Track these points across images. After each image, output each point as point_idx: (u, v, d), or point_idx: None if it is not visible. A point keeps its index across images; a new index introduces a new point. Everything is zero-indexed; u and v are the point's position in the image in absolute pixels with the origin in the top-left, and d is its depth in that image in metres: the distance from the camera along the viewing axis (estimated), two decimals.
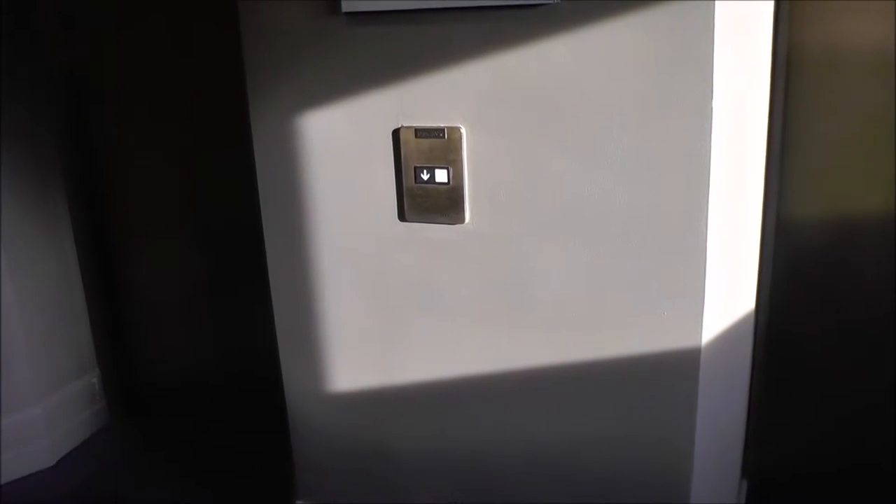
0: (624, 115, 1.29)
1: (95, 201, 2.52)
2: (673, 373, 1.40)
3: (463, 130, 1.40)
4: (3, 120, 2.18)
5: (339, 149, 1.51)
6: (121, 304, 2.62)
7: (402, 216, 1.49)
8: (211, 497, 2.19)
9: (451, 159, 1.42)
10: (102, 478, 2.33)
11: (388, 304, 1.57)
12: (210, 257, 2.44)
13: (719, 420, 1.54)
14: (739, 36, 1.34)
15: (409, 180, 1.46)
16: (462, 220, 1.45)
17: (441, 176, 1.43)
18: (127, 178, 2.47)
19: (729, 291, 1.47)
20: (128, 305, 2.62)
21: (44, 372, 2.38)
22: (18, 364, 2.30)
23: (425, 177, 1.45)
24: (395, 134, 1.45)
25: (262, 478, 2.26)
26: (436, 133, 1.42)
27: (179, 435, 2.55)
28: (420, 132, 1.43)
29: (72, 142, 2.45)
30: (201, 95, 2.30)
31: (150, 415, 2.67)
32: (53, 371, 2.42)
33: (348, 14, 1.40)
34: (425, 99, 1.42)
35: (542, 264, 1.42)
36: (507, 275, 1.45)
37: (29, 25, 2.26)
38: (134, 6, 2.31)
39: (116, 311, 2.63)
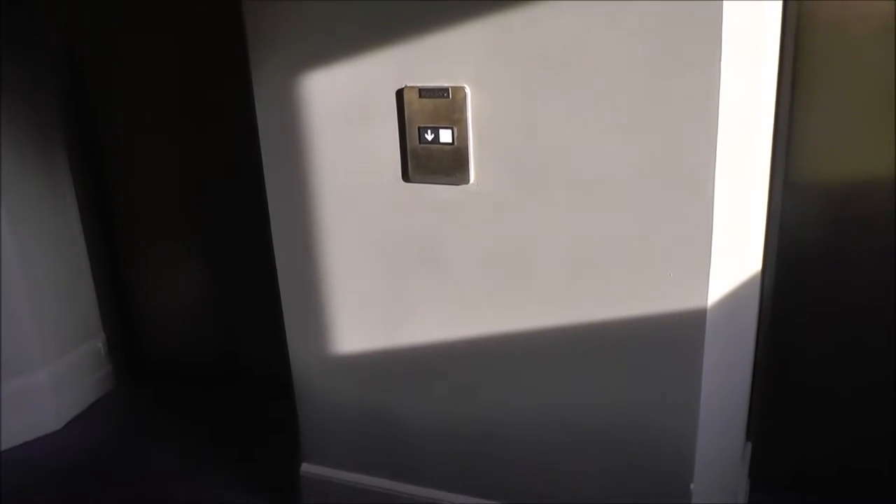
0: (631, 76, 1.28)
1: (99, 165, 2.51)
2: (678, 334, 1.40)
3: (467, 90, 1.39)
4: (3, 81, 2.17)
5: (342, 110, 1.49)
6: (125, 268, 2.62)
7: (406, 177, 1.48)
8: (216, 459, 2.20)
9: (455, 119, 1.41)
10: (109, 441, 2.35)
11: (393, 266, 1.56)
12: (214, 219, 2.43)
13: (724, 382, 1.54)
14: None
15: (412, 141, 1.45)
16: (467, 181, 1.44)
17: (445, 136, 1.42)
18: (130, 142, 2.46)
19: (735, 253, 1.46)
20: (132, 269, 2.62)
21: (49, 336, 2.38)
22: (24, 328, 2.31)
23: (429, 137, 1.43)
24: (399, 94, 1.44)
25: (268, 441, 2.28)
26: (440, 93, 1.40)
27: (185, 398, 2.56)
28: (424, 92, 1.41)
29: (73, 104, 2.43)
30: (201, 50, 2.28)
31: (156, 379, 2.68)
32: (59, 335, 2.42)
33: None
34: (429, 58, 1.40)
35: (547, 225, 1.41)
36: (513, 235, 1.45)
37: None
38: None
39: (121, 275, 2.63)
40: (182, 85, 2.32)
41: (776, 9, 1.53)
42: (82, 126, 2.47)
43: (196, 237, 2.50)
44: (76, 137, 2.46)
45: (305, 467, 1.85)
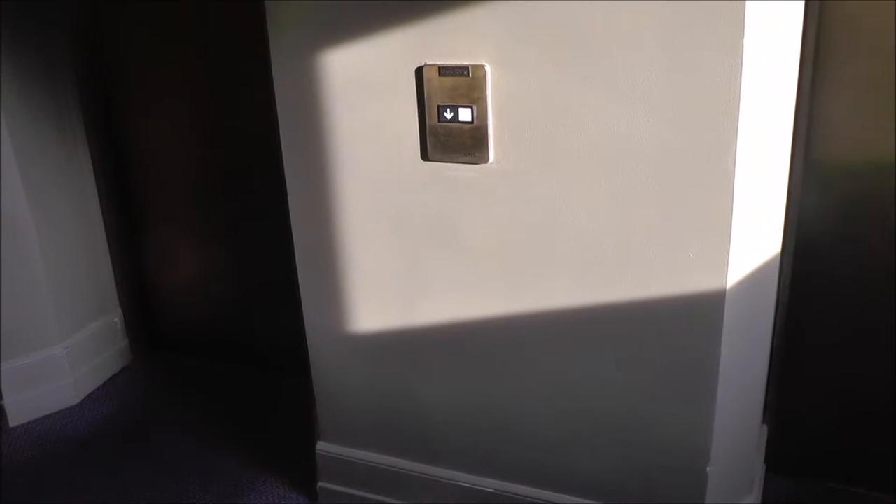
0: (653, 52, 1.26)
1: (116, 141, 2.51)
2: (697, 315, 1.39)
3: (487, 68, 1.38)
4: (20, 58, 2.17)
5: (361, 88, 1.48)
6: (142, 243, 2.63)
7: (424, 156, 1.47)
8: (232, 435, 2.22)
9: (475, 98, 1.40)
10: (125, 415, 2.37)
11: (411, 244, 1.56)
12: (231, 193, 2.44)
13: (741, 364, 1.53)
14: None
15: (432, 119, 1.44)
16: (486, 160, 1.43)
17: (465, 115, 1.41)
18: (147, 118, 2.46)
19: (755, 235, 1.45)
20: (149, 244, 2.63)
21: (67, 312, 2.40)
22: (42, 304, 2.33)
23: (449, 115, 1.42)
24: (419, 72, 1.43)
25: (284, 417, 2.29)
26: (460, 71, 1.39)
27: (201, 373, 2.58)
28: (444, 70, 1.40)
29: (90, 80, 2.43)
30: (219, 27, 2.27)
31: (173, 353, 2.70)
32: (76, 311, 2.44)
33: None
34: (449, 36, 1.39)
35: (567, 204, 1.40)
36: (532, 215, 1.44)
37: None
38: None
39: (138, 250, 2.64)
40: (203, 58, 2.31)
41: None
42: (99, 102, 2.47)
43: (213, 213, 2.50)
44: (94, 114, 2.46)
45: (321, 446, 1.86)
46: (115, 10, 2.36)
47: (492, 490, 1.70)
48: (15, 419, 2.33)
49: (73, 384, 2.43)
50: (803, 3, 1.55)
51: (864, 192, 1.69)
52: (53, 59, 2.30)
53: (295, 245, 1.68)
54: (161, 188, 2.53)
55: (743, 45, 1.20)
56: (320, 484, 1.89)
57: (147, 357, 2.70)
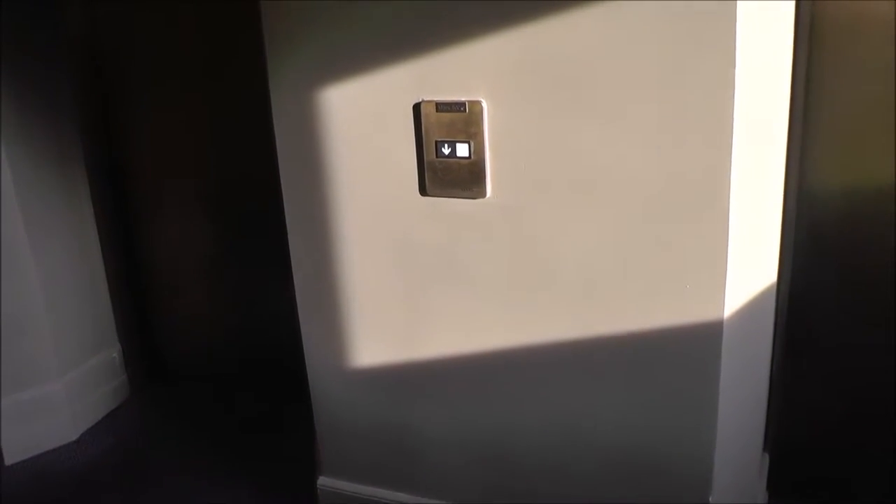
0: (647, 87, 1.28)
1: (115, 174, 2.52)
2: (696, 346, 1.40)
3: (484, 104, 1.39)
4: (24, 87, 2.18)
5: (360, 123, 1.50)
6: (141, 276, 2.64)
7: (423, 190, 1.49)
8: (233, 468, 2.21)
9: (472, 133, 1.41)
10: (124, 451, 2.35)
11: (410, 279, 1.56)
12: (230, 227, 2.45)
13: (741, 393, 1.54)
14: (763, 2, 1.32)
15: (430, 154, 1.45)
16: (484, 195, 1.44)
17: (462, 150, 1.43)
18: (146, 153, 2.47)
19: (751, 263, 1.46)
20: (148, 278, 2.63)
21: (65, 346, 2.39)
22: (40, 338, 2.32)
23: (446, 151, 1.44)
24: (416, 108, 1.44)
25: (285, 448, 2.28)
26: (457, 107, 1.41)
27: (201, 406, 2.57)
28: (441, 106, 1.42)
29: (92, 117, 2.44)
30: (221, 63, 2.29)
31: (172, 386, 2.69)
32: (75, 345, 2.43)
33: None
34: (446, 72, 1.40)
35: (564, 237, 1.41)
36: (530, 248, 1.45)
37: None
38: None
39: (137, 284, 2.64)
40: (204, 88, 2.33)
41: (789, 12, 1.53)
42: (99, 134, 2.48)
43: (212, 245, 2.51)
44: (93, 146, 2.47)
45: (322, 480, 1.85)
46: (118, 44, 2.38)
47: None
48: (12, 457, 2.31)
49: (71, 420, 2.41)
50: (793, 30, 1.58)
51: (860, 216, 1.70)
52: (54, 94, 2.31)
53: (295, 280, 1.69)
54: (162, 223, 2.54)
55: (734, 77, 1.22)
56: None
57: (146, 390, 2.69)
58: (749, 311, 1.47)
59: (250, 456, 2.28)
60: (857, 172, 1.69)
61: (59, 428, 2.39)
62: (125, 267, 2.61)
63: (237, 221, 2.43)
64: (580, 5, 1.28)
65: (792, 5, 1.54)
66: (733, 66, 1.22)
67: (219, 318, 2.58)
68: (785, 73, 1.57)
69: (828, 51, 1.62)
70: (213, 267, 2.53)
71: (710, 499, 1.48)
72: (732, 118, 1.24)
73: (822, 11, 1.60)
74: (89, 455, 2.34)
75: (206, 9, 2.26)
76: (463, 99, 1.40)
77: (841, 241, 1.73)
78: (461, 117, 1.41)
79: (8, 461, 2.30)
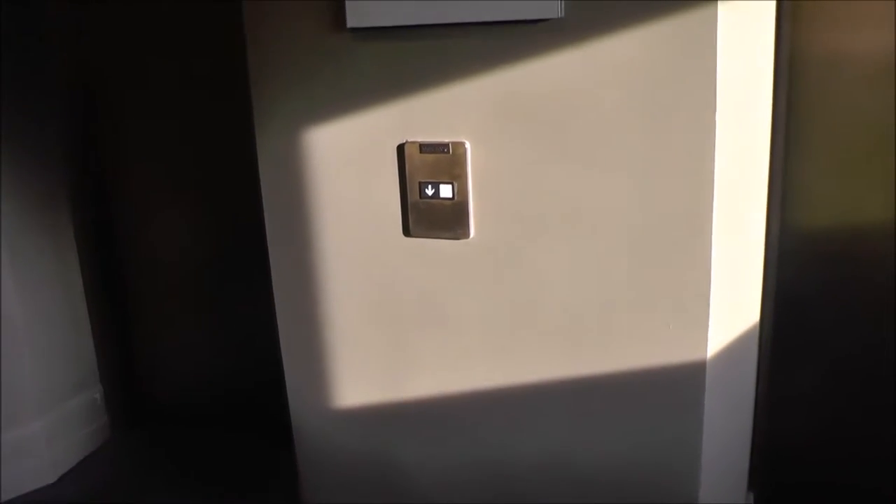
0: (629, 128, 1.30)
1: (99, 214, 2.52)
2: (679, 385, 1.40)
3: (467, 145, 1.40)
4: (7, 130, 2.18)
5: (344, 164, 1.51)
6: (125, 318, 2.62)
7: (406, 231, 1.49)
8: None
9: (455, 174, 1.42)
10: (103, 495, 2.32)
11: (394, 318, 1.56)
12: (215, 269, 2.44)
13: (725, 431, 1.54)
14: (742, 42, 1.35)
15: (413, 195, 1.46)
16: (467, 236, 1.45)
17: (446, 191, 1.44)
18: (131, 193, 2.47)
19: (734, 303, 1.47)
20: (133, 317, 2.61)
21: (46, 387, 2.36)
22: (20, 378, 2.29)
23: (430, 192, 1.45)
24: (400, 149, 1.45)
25: (269, 490, 2.25)
26: (440, 148, 1.42)
27: (183, 448, 2.54)
28: (424, 147, 1.43)
29: (78, 156, 2.44)
30: (205, 104, 2.30)
31: (153, 428, 2.66)
32: (55, 386, 2.40)
33: (353, 29, 1.40)
34: (429, 114, 1.42)
35: (547, 278, 1.42)
36: (513, 289, 1.45)
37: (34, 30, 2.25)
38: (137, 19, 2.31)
39: (120, 325, 2.62)
40: (193, 142, 2.35)
41: (768, 48, 1.56)
42: (86, 177, 2.48)
43: (195, 286, 2.50)
44: (79, 188, 2.46)
45: None
46: (110, 99, 2.40)
47: None
48: None
49: (51, 462, 2.38)
50: (773, 71, 1.60)
51: (842, 256, 1.72)
52: (40, 127, 2.30)
53: (278, 320, 1.68)
54: (144, 263, 2.53)
55: (715, 123, 1.24)
56: None
57: (127, 431, 2.66)
58: (732, 351, 1.48)
59: (233, 498, 2.25)
60: (839, 210, 1.71)
61: (37, 470, 2.35)
62: (109, 306, 2.60)
63: (222, 265, 2.42)
64: (561, 49, 1.30)
65: (771, 41, 1.57)
66: (714, 108, 1.24)
67: (204, 359, 2.56)
68: (765, 110, 1.59)
69: (807, 90, 1.65)
70: (198, 306, 2.52)
71: None
72: (714, 158, 1.26)
73: (800, 47, 1.63)
74: (67, 498, 2.30)
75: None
76: (446, 140, 1.41)
77: (822, 282, 1.75)
78: (445, 158, 1.42)
79: None
